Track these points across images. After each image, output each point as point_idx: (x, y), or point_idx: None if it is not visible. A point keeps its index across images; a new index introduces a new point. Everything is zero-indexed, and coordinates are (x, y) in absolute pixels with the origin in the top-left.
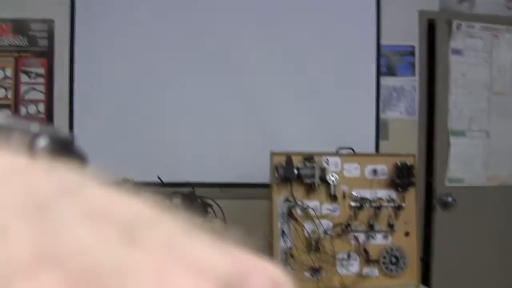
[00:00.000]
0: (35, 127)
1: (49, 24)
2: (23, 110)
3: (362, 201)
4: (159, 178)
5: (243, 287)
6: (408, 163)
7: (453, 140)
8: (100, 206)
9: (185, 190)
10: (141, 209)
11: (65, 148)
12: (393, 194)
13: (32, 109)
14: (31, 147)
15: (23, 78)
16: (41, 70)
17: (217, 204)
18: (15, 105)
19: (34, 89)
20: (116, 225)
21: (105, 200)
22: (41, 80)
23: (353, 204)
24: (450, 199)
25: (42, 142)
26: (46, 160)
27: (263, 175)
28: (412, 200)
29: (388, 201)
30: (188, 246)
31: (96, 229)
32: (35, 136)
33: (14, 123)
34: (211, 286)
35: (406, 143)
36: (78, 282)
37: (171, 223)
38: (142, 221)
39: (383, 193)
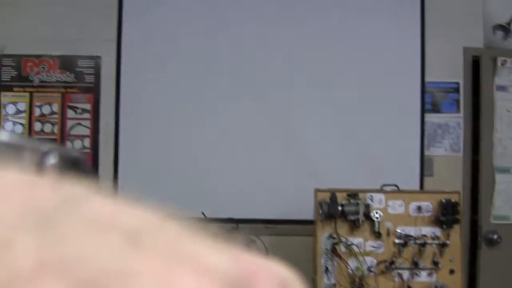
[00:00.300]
0: (45, 145)
1: (96, 61)
2: (68, 145)
3: (406, 238)
4: (203, 213)
5: (248, 287)
6: (453, 200)
7: (498, 177)
8: (104, 215)
9: (229, 226)
10: (145, 217)
11: (75, 166)
12: (437, 231)
13: (78, 144)
14: (40, 165)
15: (70, 113)
16: (87, 106)
17: (261, 240)
18: (61, 140)
19: (80, 124)
20: (119, 232)
21: (108, 210)
22: (87, 115)
23: (397, 241)
24: (495, 237)
25: (52, 160)
26: (53, 176)
27: (307, 211)
28: (457, 237)
29: (432, 238)
30: (192, 249)
31: (99, 236)
32: (44, 154)
33: (25, 141)
34: (216, 287)
35: (451, 180)
36: None
37: (175, 228)
38: (146, 228)
39: (427, 230)
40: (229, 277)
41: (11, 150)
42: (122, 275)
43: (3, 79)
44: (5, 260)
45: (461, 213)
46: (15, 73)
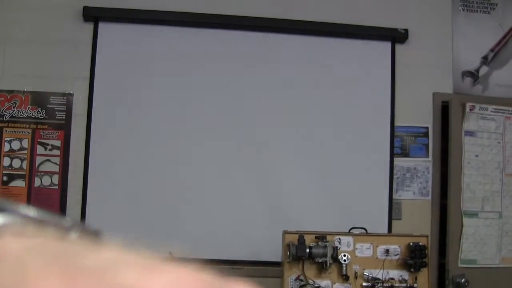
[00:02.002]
0: (67, 221)
1: (68, 98)
2: (37, 181)
3: (374, 281)
4: (170, 253)
5: None
6: (421, 244)
7: (466, 221)
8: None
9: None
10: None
11: (94, 239)
12: (405, 274)
13: (46, 180)
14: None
15: (39, 149)
16: (58, 142)
17: None
18: (29, 176)
19: (49, 160)
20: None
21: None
22: (57, 152)
23: (365, 284)
24: (463, 280)
25: (74, 235)
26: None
27: (275, 253)
28: (424, 281)
29: (400, 281)
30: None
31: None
32: (67, 229)
33: (50, 217)
34: None
35: (419, 224)
36: None
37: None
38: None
39: (395, 274)
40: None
41: (37, 225)
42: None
43: None
44: None
45: (429, 257)
46: None
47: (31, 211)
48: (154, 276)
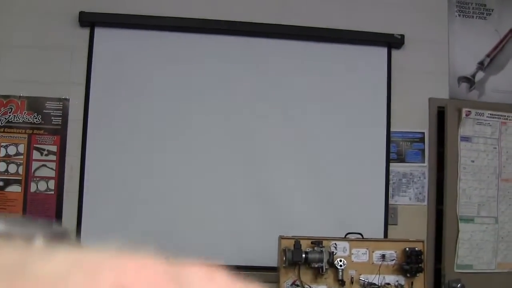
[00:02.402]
0: (32, 229)
1: (64, 103)
2: (33, 187)
3: (370, 286)
4: (166, 258)
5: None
6: (417, 249)
7: (462, 226)
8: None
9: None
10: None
11: (62, 239)
12: (401, 279)
13: (42, 186)
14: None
15: (35, 155)
16: (54, 148)
17: None
18: (25, 181)
19: (45, 166)
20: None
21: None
22: (53, 157)
23: None
24: (459, 286)
25: (38, 242)
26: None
27: (271, 258)
28: (420, 286)
29: (396, 286)
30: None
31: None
32: (32, 236)
33: (12, 228)
34: None
35: (415, 229)
36: None
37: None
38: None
39: (391, 279)
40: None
41: (2, 238)
42: None
43: None
44: None
45: (425, 262)
46: None
47: None
48: (102, 276)
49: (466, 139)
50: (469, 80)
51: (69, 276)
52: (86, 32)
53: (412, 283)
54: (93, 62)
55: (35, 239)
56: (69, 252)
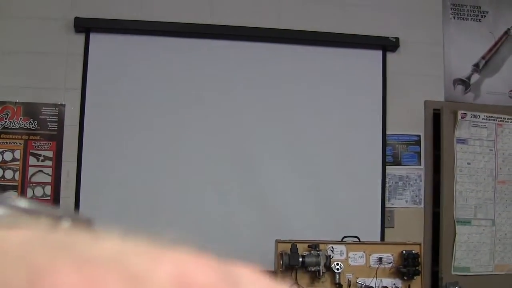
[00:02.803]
0: (59, 211)
1: (60, 109)
2: (29, 192)
3: None
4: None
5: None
6: (414, 252)
7: (459, 228)
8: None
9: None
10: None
11: (86, 228)
12: (398, 282)
13: (38, 191)
14: (55, 228)
15: (32, 160)
16: (50, 153)
17: None
18: (21, 187)
19: (41, 171)
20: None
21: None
22: (49, 163)
23: None
24: None
25: (65, 223)
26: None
27: (267, 262)
28: None
29: None
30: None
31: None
32: (59, 218)
33: (41, 208)
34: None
35: (412, 232)
36: None
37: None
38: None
39: (388, 282)
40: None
41: (29, 215)
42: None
43: None
44: None
45: (422, 265)
46: None
47: (22, 202)
48: (162, 263)
49: (462, 141)
50: (465, 82)
51: (130, 259)
52: (81, 37)
53: (409, 286)
54: (88, 68)
55: (62, 221)
56: (117, 239)
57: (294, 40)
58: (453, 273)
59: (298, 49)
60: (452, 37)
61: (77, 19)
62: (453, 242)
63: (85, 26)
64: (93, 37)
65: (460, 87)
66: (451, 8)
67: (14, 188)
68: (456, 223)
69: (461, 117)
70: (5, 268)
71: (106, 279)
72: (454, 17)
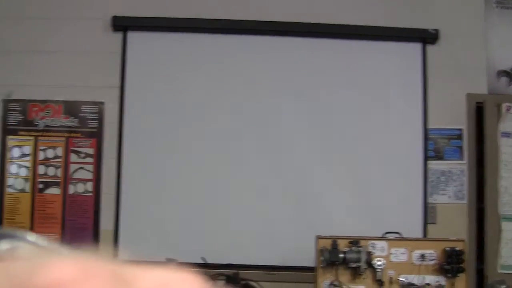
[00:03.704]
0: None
1: (100, 106)
2: (71, 189)
3: (409, 286)
4: (203, 259)
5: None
6: (458, 249)
7: (504, 225)
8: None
9: (229, 272)
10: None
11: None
12: (442, 280)
13: (80, 187)
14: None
15: (73, 157)
16: (90, 150)
17: (261, 287)
18: (64, 184)
19: (83, 168)
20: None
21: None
22: (90, 159)
23: None
24: (503, 287)
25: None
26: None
27: (308, 258)
28: (462, 286)
29: (437, 287)
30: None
31: None
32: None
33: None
34: None
35: (455, 228)
36: None
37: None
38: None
39: (431, 279)
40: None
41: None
42: None
43: (9, 123)
44: None
45: (466, 262)
46: (21, 117)
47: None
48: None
49: (507, 135)
50: (509, 74)
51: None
52: (119, 36)
53: (453, 284)
54: (127, 65)
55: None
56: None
57: (332, 35)
58: (499, 271)
59: (336, 44)
60: (495, 27)
61: (115, 18)
62: (499, 239)
63: (123, 25)
64: (131, 35)
65: (504, 79)
66: None
67: (56, 184)
68: (501, 219)
69: (506, 110)
70: None
71: None
72: (497, 6)
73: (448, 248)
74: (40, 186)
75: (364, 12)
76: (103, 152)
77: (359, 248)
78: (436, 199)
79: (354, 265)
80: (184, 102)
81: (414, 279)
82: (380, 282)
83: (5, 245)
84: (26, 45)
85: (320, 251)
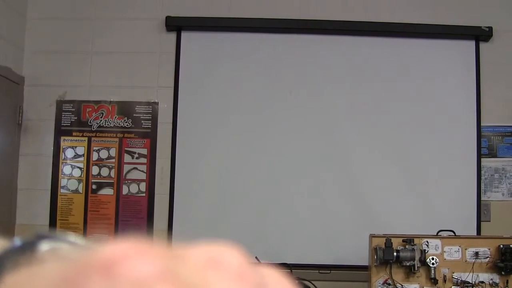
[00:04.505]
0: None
1: (153, 107)
2: (125, 189)
3: (463, 284)
4: (256, 258)
5: None
6: None
7: None
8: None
9: (283, 271)
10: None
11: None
12: (496, 278)
13: (134, 188)
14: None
15: (126, 158)
16: (144, 151)
17: (315, 286)
18: (117, 184)
19: (136, 168)
20: None
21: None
22: (143, 160)
23: (454, 287)
24: None
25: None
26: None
27: (362, 257)
28: None
29: (491, 285)
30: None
31: None
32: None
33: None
34: None
35: (509, 225)
36: None
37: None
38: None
39: (485, 277)
40: None
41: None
42: None
43: (63, 124)
44: None
45: None
46: (75, 118)
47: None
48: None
49: None
50: None
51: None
52: (172, 36)
53: (507, 282)
54: (180, 66)
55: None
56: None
57: (387, 33)
58: None
59: (388, 42)
60: None
61: (168, 18)
62: None
63: (176, 25)
64: (184, 35)
65: None
66: None
67: (110, 185)
68: None
69: None
70: None
71: None
72: None
73: (502, 246)
74: (94, 187)
75: (418, 10)
76: (156, 152)
77: (413, 247)
78: (490, 196)
79: (407, 263)
80: (238, 101)
81: (468, 277)
82: (433, 280)
83: (45, 246)
84: (80, 46)
85: (374, 250)
